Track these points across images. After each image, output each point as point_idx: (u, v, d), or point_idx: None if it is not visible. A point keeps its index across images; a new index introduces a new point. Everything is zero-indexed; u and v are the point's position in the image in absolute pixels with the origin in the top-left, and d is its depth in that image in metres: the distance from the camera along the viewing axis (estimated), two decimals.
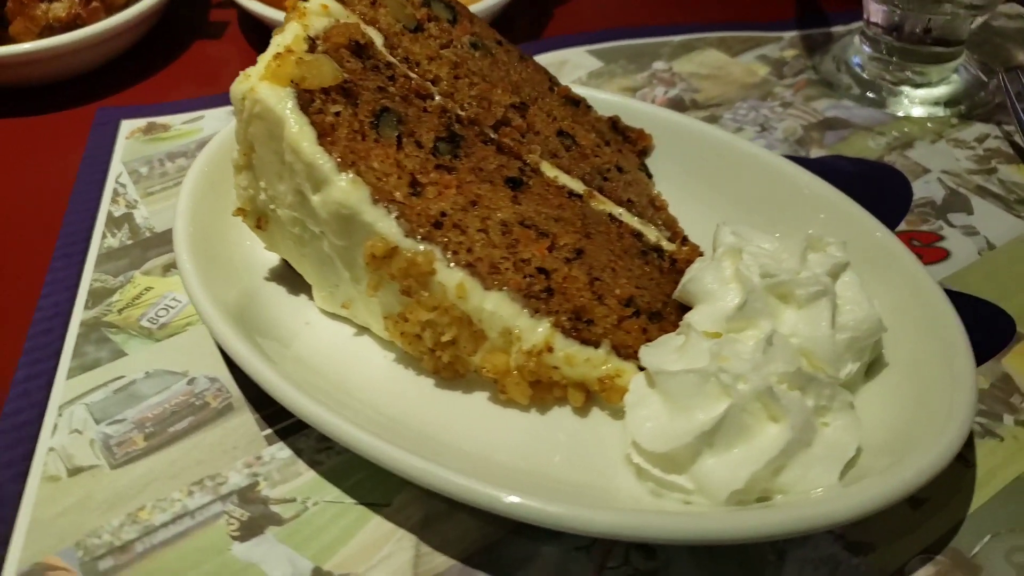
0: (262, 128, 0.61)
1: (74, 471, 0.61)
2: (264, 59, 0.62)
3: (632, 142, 0.81)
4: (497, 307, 0.60)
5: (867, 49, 1.00)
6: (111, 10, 1.03)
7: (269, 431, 0.63)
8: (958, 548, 0.54)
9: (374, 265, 0.60)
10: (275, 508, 0.58)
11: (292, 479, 0.60)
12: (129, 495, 0.59)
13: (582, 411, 0.62)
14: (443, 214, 0.61)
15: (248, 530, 0.57)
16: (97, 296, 0.75)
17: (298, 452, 0.62)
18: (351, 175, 0.59)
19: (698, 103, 0.99)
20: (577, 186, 0.71)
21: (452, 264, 0.60)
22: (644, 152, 0.82)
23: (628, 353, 0.62)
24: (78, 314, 0.74)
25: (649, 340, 0.63)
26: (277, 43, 0.63)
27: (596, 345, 0.62)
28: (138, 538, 0.56)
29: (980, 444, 0.61)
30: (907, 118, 0.95)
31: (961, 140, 0.91)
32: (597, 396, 0.62)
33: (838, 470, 0.52)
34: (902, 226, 0.80)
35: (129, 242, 0.81)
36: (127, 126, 0.98)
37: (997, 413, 0.63)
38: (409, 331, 0.62)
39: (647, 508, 0.54)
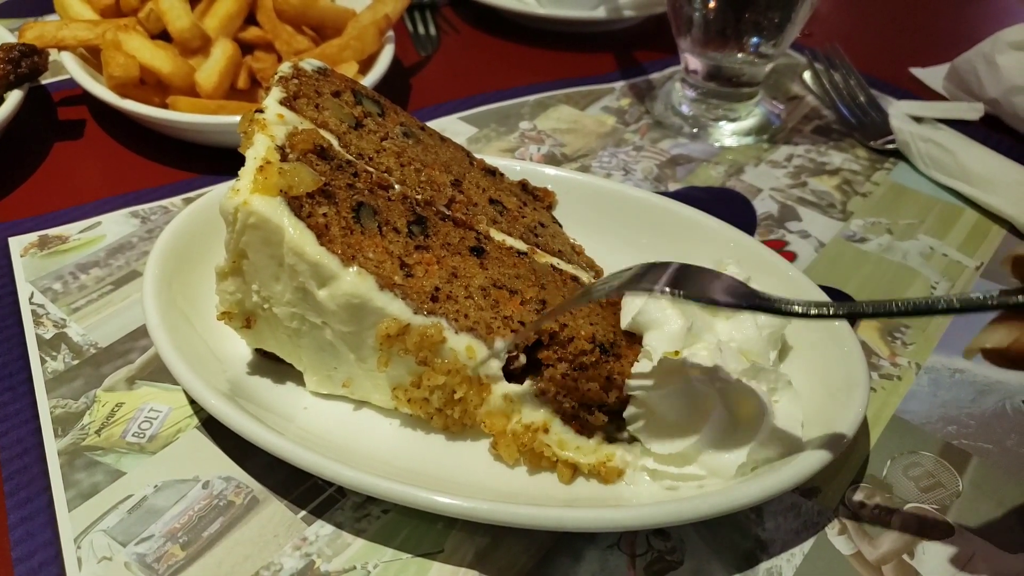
0: (257, 237, 0.66)
1: None
2: (248, 173, 0.67)
3: (540, 200, 0.94)
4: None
5: (689, 93, 1.21)
6: None
7: (304, 513, 0.68)
8: (873, 474, 0.73)
9: (387, 344, 0.67)
10: None
11: (344, 550, 0.65)
12: None
13: None
14: (436, 288, 0.70)
15: None
16: (64, 422, 0.74)
17: (339, 525, 0.67)
18: (356, 268, 0.66)
19: (568, 156, 1.14)
20: (520, 245, 0.82)
21: (457, 331, 0.68)
22: (550, 207, 0.95)
23: (616, 437, 0.71)
24: (51, 444, 0.72)
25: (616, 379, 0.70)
26: (253, 156, 0.68)
27: (590, 435, 0.71)
28: None
29: None
30: (731, 148, 1.17)
31: (775, 161, 1.15)
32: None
33: (799, 434, 0.68)
34: (756, 238, 1.00)
35: (75, 362, 0.80)
36: (16, 243, 0.94)
37: None
38: (418, 396, 0.69)
39: (665, 500, 0.66)
